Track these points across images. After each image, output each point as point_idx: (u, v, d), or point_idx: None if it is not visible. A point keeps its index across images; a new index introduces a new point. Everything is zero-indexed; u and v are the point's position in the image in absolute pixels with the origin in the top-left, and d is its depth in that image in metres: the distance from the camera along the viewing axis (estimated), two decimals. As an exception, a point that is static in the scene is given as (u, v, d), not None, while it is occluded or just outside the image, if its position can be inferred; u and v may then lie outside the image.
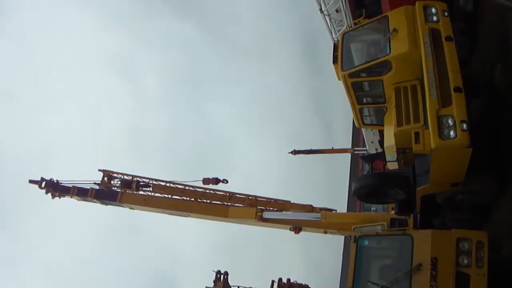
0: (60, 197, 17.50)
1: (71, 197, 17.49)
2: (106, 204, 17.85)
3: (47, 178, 17.34)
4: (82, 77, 56.62)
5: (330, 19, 20.60)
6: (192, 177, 17.73)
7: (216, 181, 17.72)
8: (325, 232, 16.89)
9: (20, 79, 50.56)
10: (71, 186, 17.37)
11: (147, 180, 17.57)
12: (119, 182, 17.38)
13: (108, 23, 60.16)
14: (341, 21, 20.30)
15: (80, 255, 41.92)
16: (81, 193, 17.35)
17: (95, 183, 17.35)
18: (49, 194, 17.34)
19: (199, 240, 40.81)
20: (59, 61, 52.61)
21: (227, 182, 17.87)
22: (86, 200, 17.67)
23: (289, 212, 16.94)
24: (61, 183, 17.40)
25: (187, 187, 17.47)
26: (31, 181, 17.23)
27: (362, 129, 24.65)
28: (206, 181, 17.70)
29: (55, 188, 17.28)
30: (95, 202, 17.68)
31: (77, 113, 55.22)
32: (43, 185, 17.19)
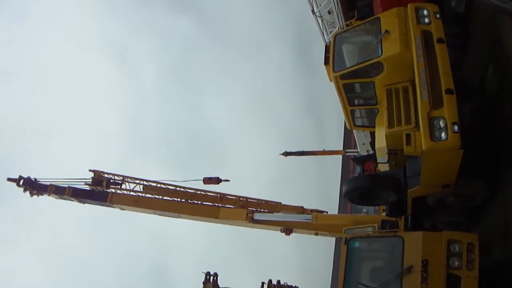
0: (38, 195, 17.50)
1: (49, 195, 17.52)
2: (84, 203, 17.80)
3: (25, 176, 17.35)
4: (78, 68, 56.68)
5: (322, 20, 20.63)
6: (185, 176, 17.75)
7: (217, 180, 17.73)
8: (316, 234, 16.89)
9: (14, 68, 50.54)
10: (48, 184, 17.38)
11: (138, 181, 17.52)
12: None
13: (106, 14, 60.28)
14: (333, 22, 20.33)
15: (73, 245, 42.02)
16: (58, 191, 17.32)
17: (85, 183, 17.29)
18: (27, 192, 17.33)
19: (191, 234, 40.75)
20: (55, 52, 52.66)
21: (228, 181, 17.94)
22: (64, 199, 17.62)
23: (280, 214, 16.94)
24: (38, 181, 17.39)
25: (178, 188, 17.41)
26: (9, 179, 17.23)
27: (354, 131, 24.68)
28: (207, 181, 17.70)
29: (32, 186, 17.26)
30: (72, 200, 17.64)
31: (72, 105, 55.30)
32: (21, 183, 17.18)
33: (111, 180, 17.42)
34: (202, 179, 17.80)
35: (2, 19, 52.28)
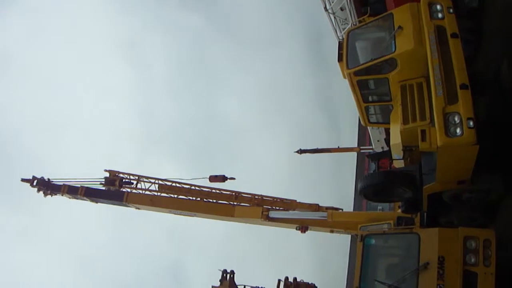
0: (51, 195, 17.76)
1: (62, 195, 17.78)
2: (97, 202, 17.97)
3: (39, 176, 17.64)
4: (89, 64, 56.95)
5: (334, 17, 20.56)
6: (197, 173, 17.74)
7: (223, 178, 17.77)
8: (332, 231, 16.90)
9: (25, 64, 50.94)
10: (61, 184, 17.65)
11: (153, 180, 17.63)
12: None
13: (117, 10, 60.55)
14: (345, 19, 20.26)
15: (90, 242, 42.38)
16: (71, 191, 17.55)
17: (101, 184, 17.44)
18: (41, 192, 17.59)
19: (207, 231, 40.86)
20: (66, 48, 52.99)
21: (234, 179, 17.96)
22: (77, 198, 17.81)
23: (295, 211, 16.95)
24: (52, 181, 17.65)
25: (193, 187, 17.49)
26: (23, 180, 17.54)
27: (368, 128, 24.58)
28: (212, 179, 17.74)
29: (46, 186, 17.56)
30: (85, 199, 17.83)
31: (84, 101, 55.63)
32: (34, 183, 17.47)
33: (124, 180, 17.57)
34: (208, 177, 17.87)
35: (15, 15, 52.68)
